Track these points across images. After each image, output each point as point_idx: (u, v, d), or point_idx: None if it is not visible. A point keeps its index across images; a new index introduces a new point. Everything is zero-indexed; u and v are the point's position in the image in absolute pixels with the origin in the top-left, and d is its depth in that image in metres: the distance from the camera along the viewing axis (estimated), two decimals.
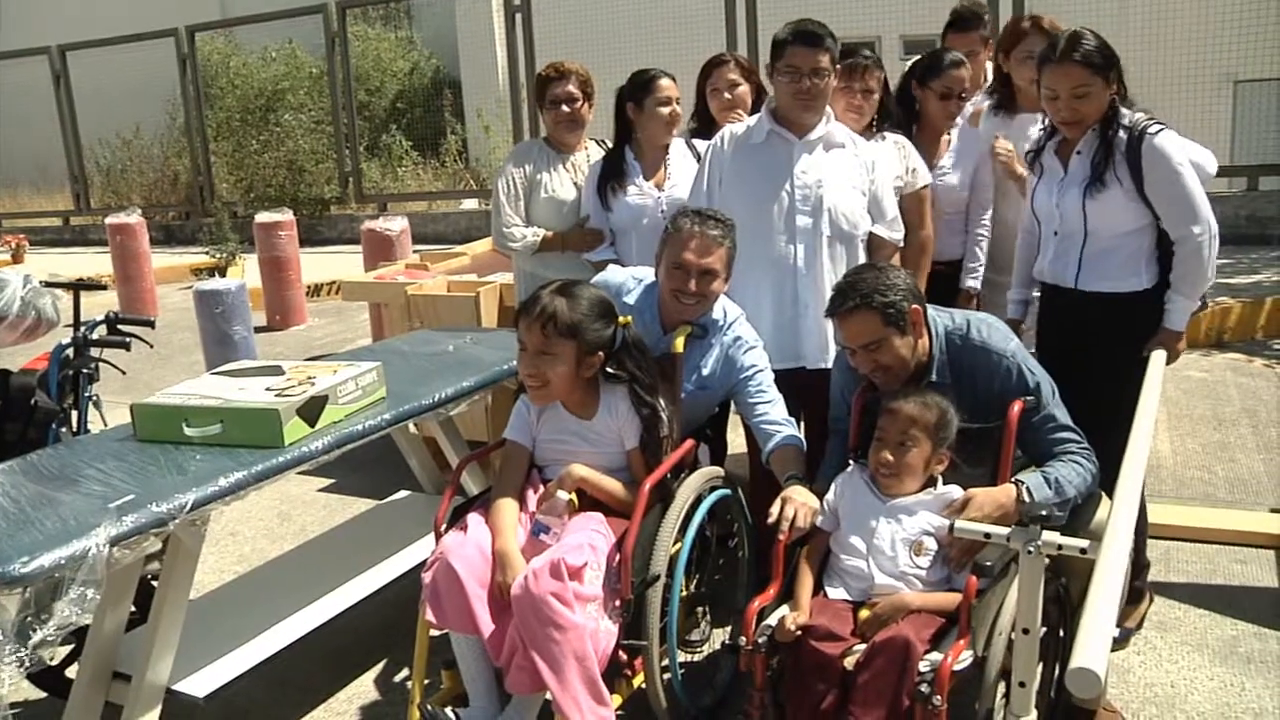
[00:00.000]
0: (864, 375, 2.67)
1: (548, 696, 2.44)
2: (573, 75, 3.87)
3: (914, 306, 2.54)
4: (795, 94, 3.12)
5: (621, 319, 2.74)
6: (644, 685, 2.63)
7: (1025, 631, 2.05)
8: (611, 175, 3.76)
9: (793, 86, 3.12)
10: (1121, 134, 2.83)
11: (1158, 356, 2.80)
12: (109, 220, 9.48)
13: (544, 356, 2.63)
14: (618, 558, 2.54)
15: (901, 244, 3.34)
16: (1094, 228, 2.91)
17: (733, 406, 3.16)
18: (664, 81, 3.70)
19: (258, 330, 7.18)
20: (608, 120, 3.97)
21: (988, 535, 2.12)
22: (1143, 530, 3.21)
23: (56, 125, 14.44)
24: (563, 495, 2.63)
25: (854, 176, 3.21)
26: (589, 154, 4.00)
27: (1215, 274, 2.85)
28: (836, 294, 2.60)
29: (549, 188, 3.90)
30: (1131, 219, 2.87)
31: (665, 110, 3.69)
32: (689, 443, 2.87)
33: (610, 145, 3.98)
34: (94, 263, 11.37)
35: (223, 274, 10.06)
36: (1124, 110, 2.85)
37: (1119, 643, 3.06)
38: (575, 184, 3.92)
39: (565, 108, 3.88)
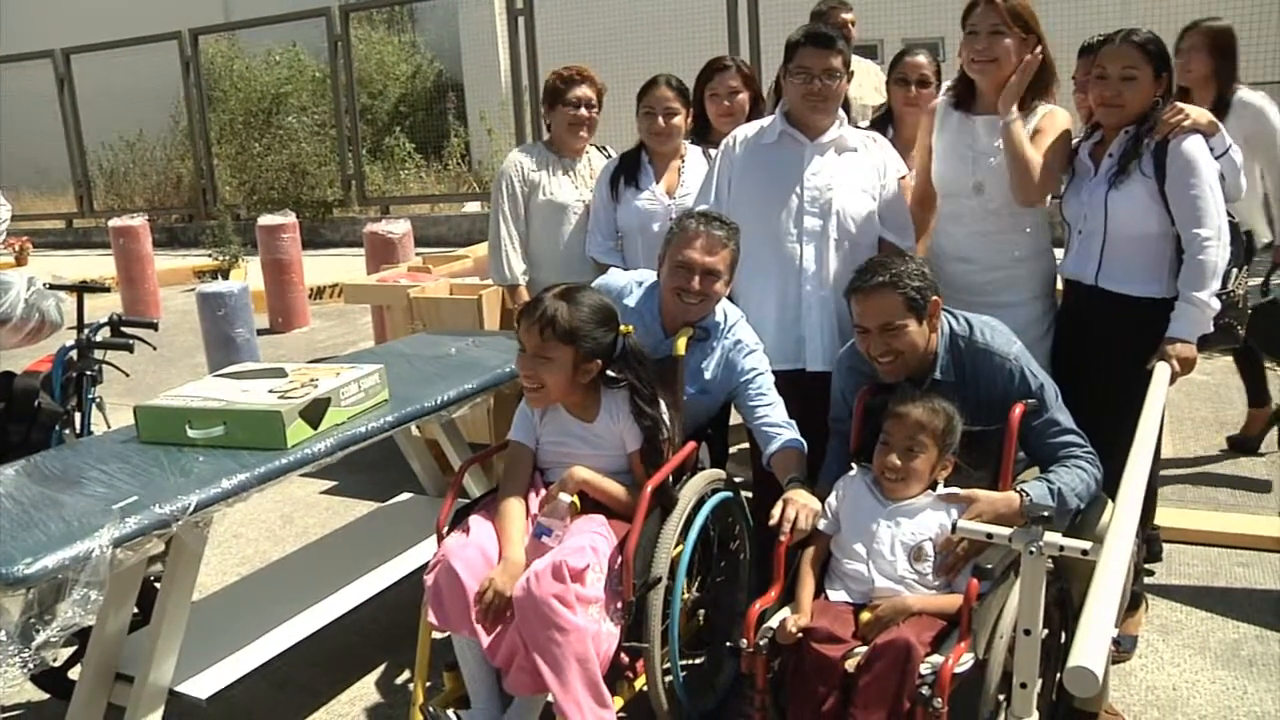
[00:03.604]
0: (866, 373, 2.68)
1: (549, 698, 2.44)
2: (590, 81, 3.89)
3: (935, 298, 2.56)
4: (806, 95, 3.14)
5: (623, 327, 2.74)
6: (645, 687, 2.63)
7: (1027, 633, 2.05)
8: (624, 172, 3.76)
9: (804, 88, 3.13)
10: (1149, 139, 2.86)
11: (1162, 365, 2.80)
12: (112, 223, 9.50)
13: (541, 360, 2.63)
14: (619, 560, 2.54)
15: (913, 250, 3.34)
16: (1114, 224, 2.92)
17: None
18: (659, 91, 3.69)
19: (260, 332, 7.18)
20: (606, 126, 3.98)
21: (990, 535, 2.12)
22: (1147, 535, 3.22)
23: (59, 128, 14.47)
24: (565, 498, 2.63)
25: (865, 180, 3.22)
26: (589, 159, 4.01)
27: (1219, 285, 2.83)
28: (863, 270, 2.60)
29: (548, 190, 3.91)
30: (1153, 222, 2.88)
31: (650, 118, 3.69)
32: (690, 445, 2.87)
33: (608, 151, 3.99)
34: (97, 265, 11.38)
35: (225, 276, 10.08)
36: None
37: (1125, 653, 3.05)
38: (575, 187, 3.93)
39: (583, 110, 3.89)
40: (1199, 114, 2.87)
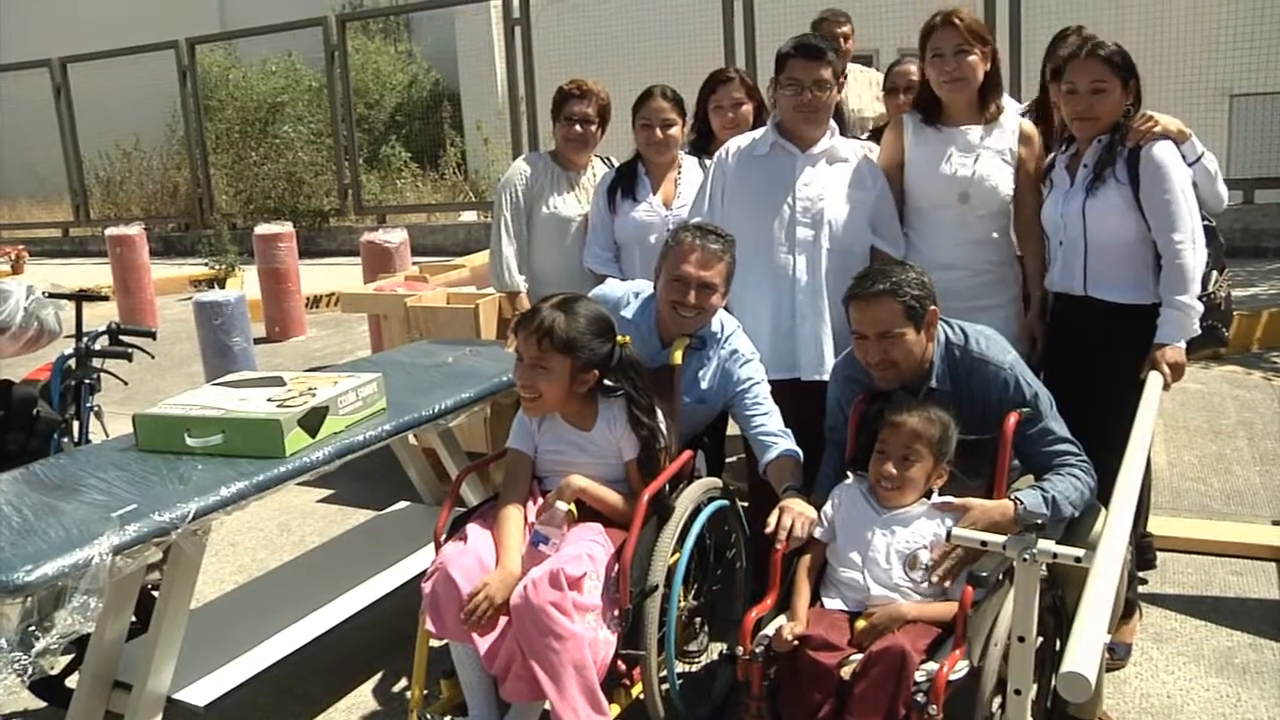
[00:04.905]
0: (862, 382, 2.69)
1: (546, 706, 2.45)
2: (593, 97, 3.87)
3: (933, 308, 2.58)
4: (796, 106, 3.16)
5: (620, 338, 2.75)
6: (642, 695, 2.64)
7: (1021, 639, 2.06)
8: (621, 184, 3.76)
9: (794, 99, 3.16)
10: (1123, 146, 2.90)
11: (1154, 374, 2.82)
12: (109, 232, 9.49)
13: (539, 370, 2.65)
14: (616, 568, 2.55)
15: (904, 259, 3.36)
16: (1093, 233, 2.96)
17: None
18: (655, 103, 3.69)
19: (257, 341, 7.19)
20: (615, 139, 3.99)
21: (984, 543, 2.14)
22: (1140, 542, 3.23)
23: (56, 137, 14.48)
24: (561, 506, 2.64)
25: (857, 191, 3.23)
26: (594, 172, 4.01)
27: (1199, 288, 2.87)
28: (862, 277, 2.62)
29: (552, 204, 3.91)
30: (1131, 228, 2.91)
31: (647, 130, 3.69)
32: (687, 454, 2.89)
33: (611, 162, 4.00)
34: (93, 274, 11.38)
35: (222, 285, 10.07)
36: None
37: (1120, 660, 3.07)
38: (579, 202, 3.94)
39: (578, 127, 3.88)
40: (1169, 121, 2.92)
